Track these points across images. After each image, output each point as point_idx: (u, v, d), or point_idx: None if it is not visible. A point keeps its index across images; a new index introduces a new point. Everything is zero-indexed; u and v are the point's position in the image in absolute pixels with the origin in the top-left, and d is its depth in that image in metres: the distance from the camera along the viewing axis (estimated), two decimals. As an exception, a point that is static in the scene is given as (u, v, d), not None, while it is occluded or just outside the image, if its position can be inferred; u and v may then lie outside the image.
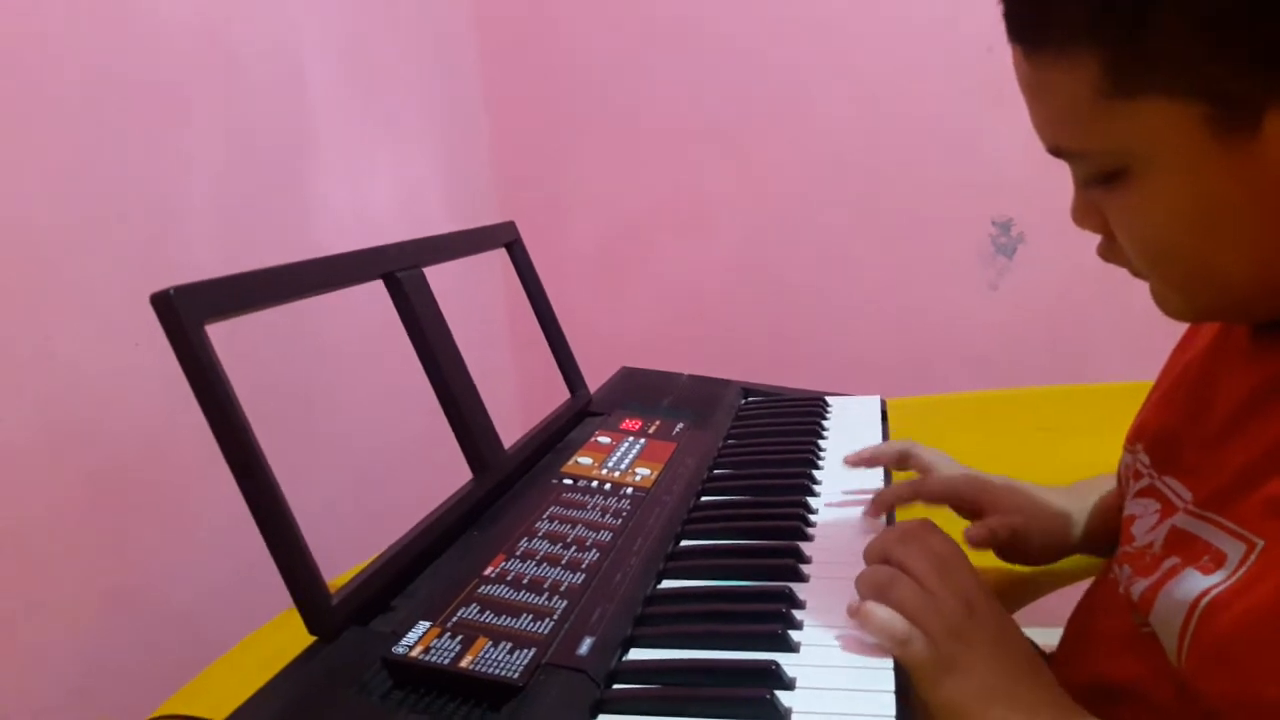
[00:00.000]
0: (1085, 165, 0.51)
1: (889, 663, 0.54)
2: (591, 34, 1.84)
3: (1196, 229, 0.49)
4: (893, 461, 0.84)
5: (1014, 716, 0.53)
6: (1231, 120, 0.45)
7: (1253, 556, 0.48)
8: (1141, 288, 0.56)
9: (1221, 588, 0.49)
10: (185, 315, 0.53)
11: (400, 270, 0.75)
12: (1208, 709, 0.49)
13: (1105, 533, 0.74)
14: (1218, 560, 0.50)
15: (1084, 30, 0.46)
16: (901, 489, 0.76)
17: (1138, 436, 0.67)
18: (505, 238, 0.98)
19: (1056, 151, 0.52)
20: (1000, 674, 0.55)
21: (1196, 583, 0.50)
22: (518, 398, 1.97)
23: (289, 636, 0.56)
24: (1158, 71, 0.45)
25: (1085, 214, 0.55)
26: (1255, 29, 0.43)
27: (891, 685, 0.52)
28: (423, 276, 0.77)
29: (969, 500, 0.76)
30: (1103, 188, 0.51)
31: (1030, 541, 0.74)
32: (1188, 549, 0.54)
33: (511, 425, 0.94)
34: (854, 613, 0.56)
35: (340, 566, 0.71)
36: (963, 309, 1.79)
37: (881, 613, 0.56)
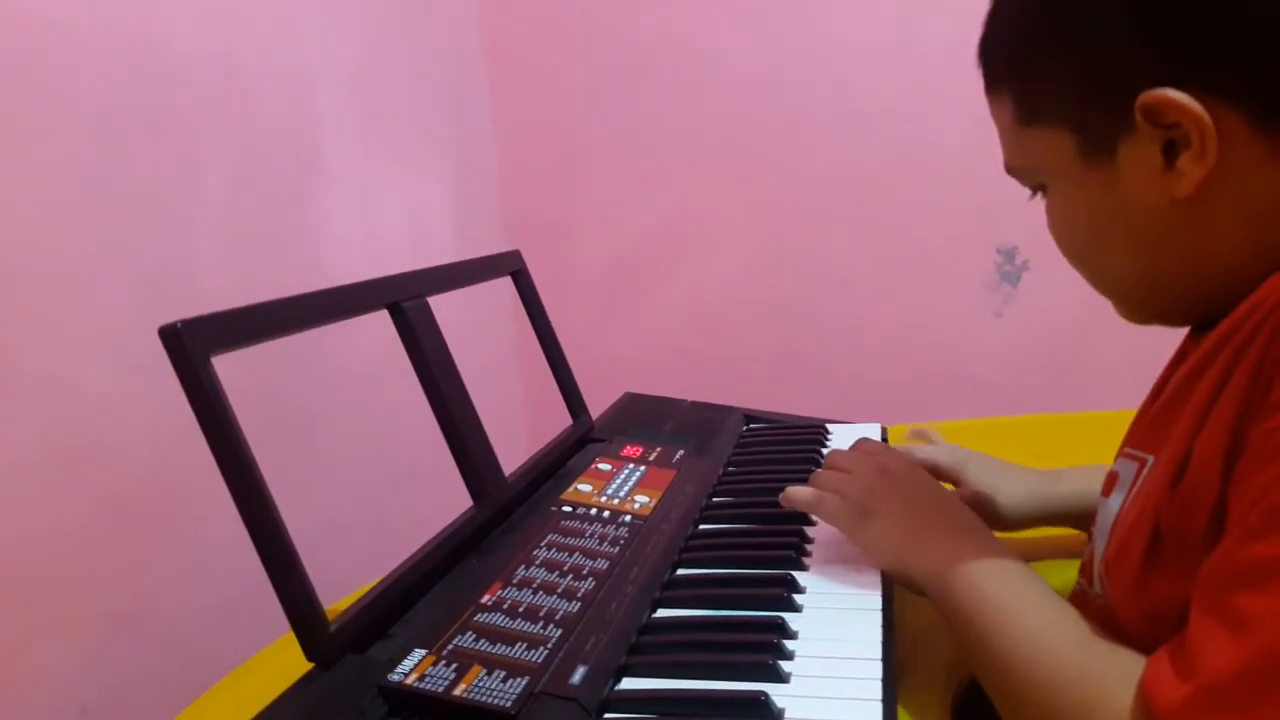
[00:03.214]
0: (1023, 179, 0.61)
1: (877, 694, 0.55)
2: (599, 62, 1.86)
3: (1089, 236, 0.58)
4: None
5: (927, 546, 0.65)
6: (1093, 148, 0.54)
7: (1145, 471, 0.55)
8: None
9: (1123, 505, 0.56)
10: (192, 348, 0.54)
11: (405, 300, 0.76)
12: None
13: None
14: (1112, 481, 0.59)
15: (1003, 75, 0.59)
16: None
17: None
18: (510, 266, 0.99)
19: (1006, 168, 0.61)
20: (911, 511, 0.69)
21: (1107, 510, 0.58)
22: (524, 423, 1.98)
23: (288, 661, 0.57)
24: (1042, 108, 0.56)
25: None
26: (1087, 74, 0.53)
27: (879, 717, 0.52)
28: (427, 306, 0.79)
29: (946, 472, 0.85)
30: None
31: (993, 512, 0.82)
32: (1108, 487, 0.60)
33: (518, 451, 0.95)
34: (781, 499, 0.74)
35: (341, 591, 0.72)
36: (967, 336, 1.80)
37: (796, 492, 0.74)
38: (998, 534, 0.82)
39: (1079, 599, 0.64)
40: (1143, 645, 0.50)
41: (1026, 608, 0.57)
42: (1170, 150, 0.51)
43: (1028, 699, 0.54)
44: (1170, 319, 0.60)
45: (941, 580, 0.62)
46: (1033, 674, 0.53)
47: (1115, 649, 0.52)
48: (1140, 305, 0.60)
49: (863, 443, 0.78)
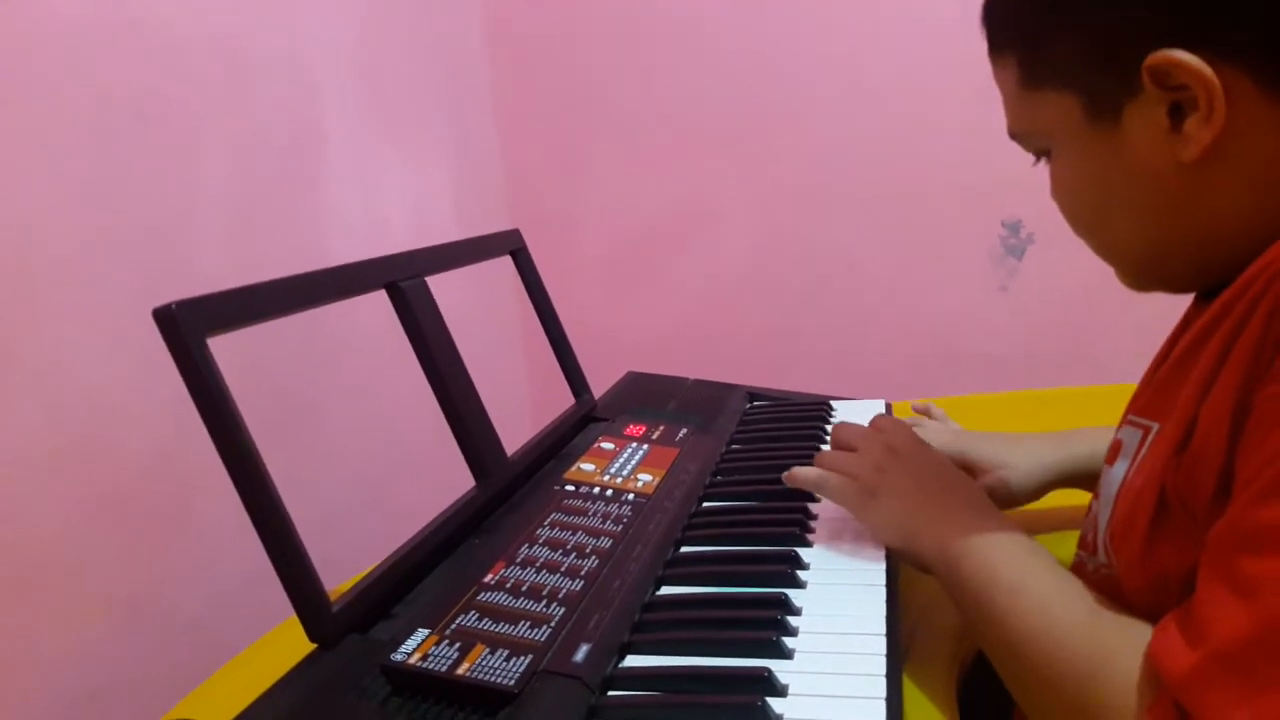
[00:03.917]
0: (1027, 144, 0.61)
1: (882, 669, 0.54)
2: (601, 43, 1.84)
3: (1093, 201, 0.57)
4: None
5: (934, 523, 0.64)
6: (1099, 111, 0.53)
7: (1150, 438, 0.54)
8: None
9: (1127, 473, 0.56)
10: (187, 329, 0.54)
11: (403, 280, 0.76)
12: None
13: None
14: (1116, 449, 0.58)
15: (1007, 38, 0.58)
16: None
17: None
18: (510, 245, 0.98)
19: (1010, 133, 0.61)
20: (919, 489, 0.68)
21: (1111, 479, 0.58)
22: (528, 403, 1.98)
23: (292, 644, 0.57)
24: (1047, 71, 0.56)
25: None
26: (1093, 35, 0.52)
27: (883, 693, 0.52)
28: (425, 286, 0.78)
29: (955, 462, 0.82)
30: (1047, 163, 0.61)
31: (1010, 490, 0.81)
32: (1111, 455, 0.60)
33: (521, 431, 0.95)
34: (785, 478, 0.74)
35: (343, 574, 0.72)
36: (972, 311, 1.79)
37: (801, 471, 0.73)
38: (1016, 509, 0.81)
39: (1078, 571, 0.64)
40: (1148, 614, 0.50)
41: (1034, 581, 0.57)
42: (1177, 113, 0.50)
43: (1035, 671, 0.53)
44: (1174, 285, 0.59)
45: (949, 556, 0.62)
46: (1041, 646, 0.53)
47: (1123, 619, 0.51)
48: (1144, 271, 0.59)
49: (875, 419, 0.76)
